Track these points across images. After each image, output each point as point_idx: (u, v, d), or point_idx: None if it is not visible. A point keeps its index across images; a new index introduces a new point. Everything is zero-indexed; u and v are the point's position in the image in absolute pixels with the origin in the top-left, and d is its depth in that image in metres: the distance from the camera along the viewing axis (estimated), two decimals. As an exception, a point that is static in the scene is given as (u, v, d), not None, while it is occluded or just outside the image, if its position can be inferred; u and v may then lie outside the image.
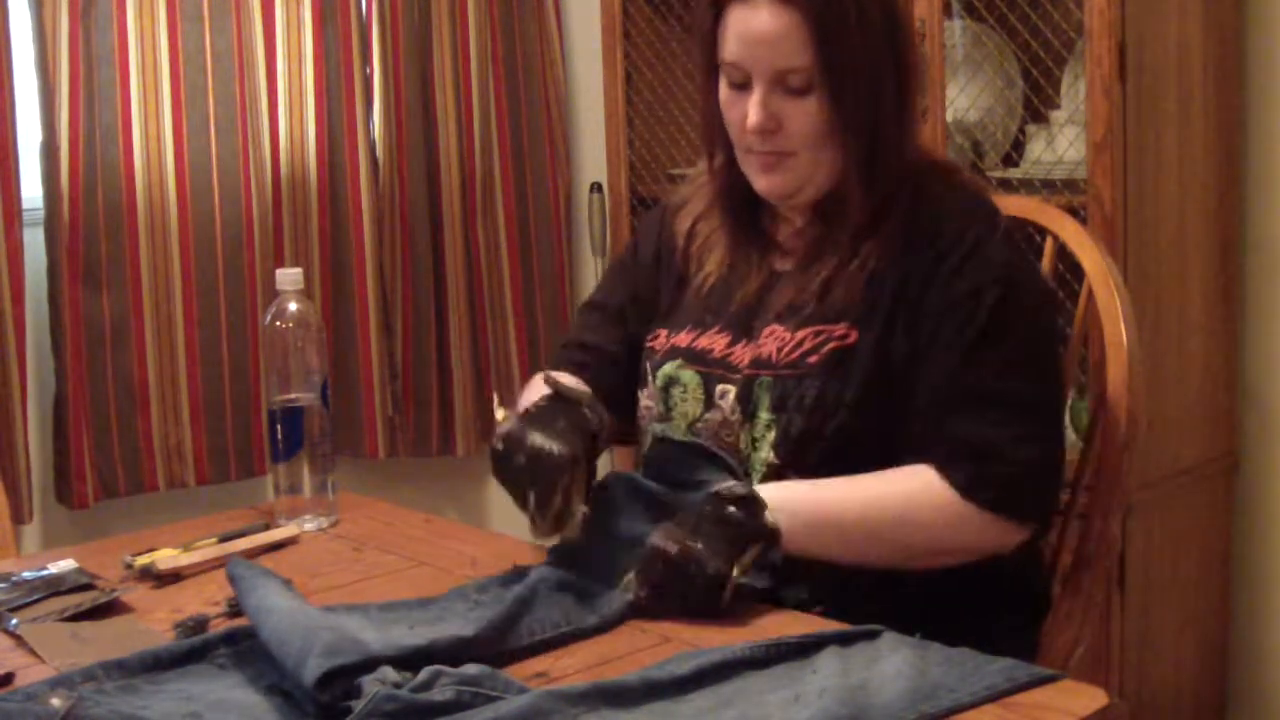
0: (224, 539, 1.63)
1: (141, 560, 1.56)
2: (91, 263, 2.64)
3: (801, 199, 1.60)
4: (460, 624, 1.30)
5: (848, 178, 1.56)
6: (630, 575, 1.39)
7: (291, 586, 1.38)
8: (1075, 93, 2.41)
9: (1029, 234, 1.86)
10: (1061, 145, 2.40)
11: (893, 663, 1.21)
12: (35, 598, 1.46)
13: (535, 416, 1.47)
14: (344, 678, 1.15)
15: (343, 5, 2.87)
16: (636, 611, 1.37)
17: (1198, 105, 2.42)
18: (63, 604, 1.45)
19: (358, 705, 1.12)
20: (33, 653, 1.33)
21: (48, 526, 2.66)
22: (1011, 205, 1.76)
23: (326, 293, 2.92)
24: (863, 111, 1.53)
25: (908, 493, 1.49)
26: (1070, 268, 2.04)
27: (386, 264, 2.98)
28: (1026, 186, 2.43)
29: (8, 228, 2.50)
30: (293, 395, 1.69)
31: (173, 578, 1.54)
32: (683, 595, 1.36)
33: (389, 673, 1.17)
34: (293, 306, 1.70)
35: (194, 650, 1.27)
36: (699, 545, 1.37)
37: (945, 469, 1.48)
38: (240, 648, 1.28)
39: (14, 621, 1.40)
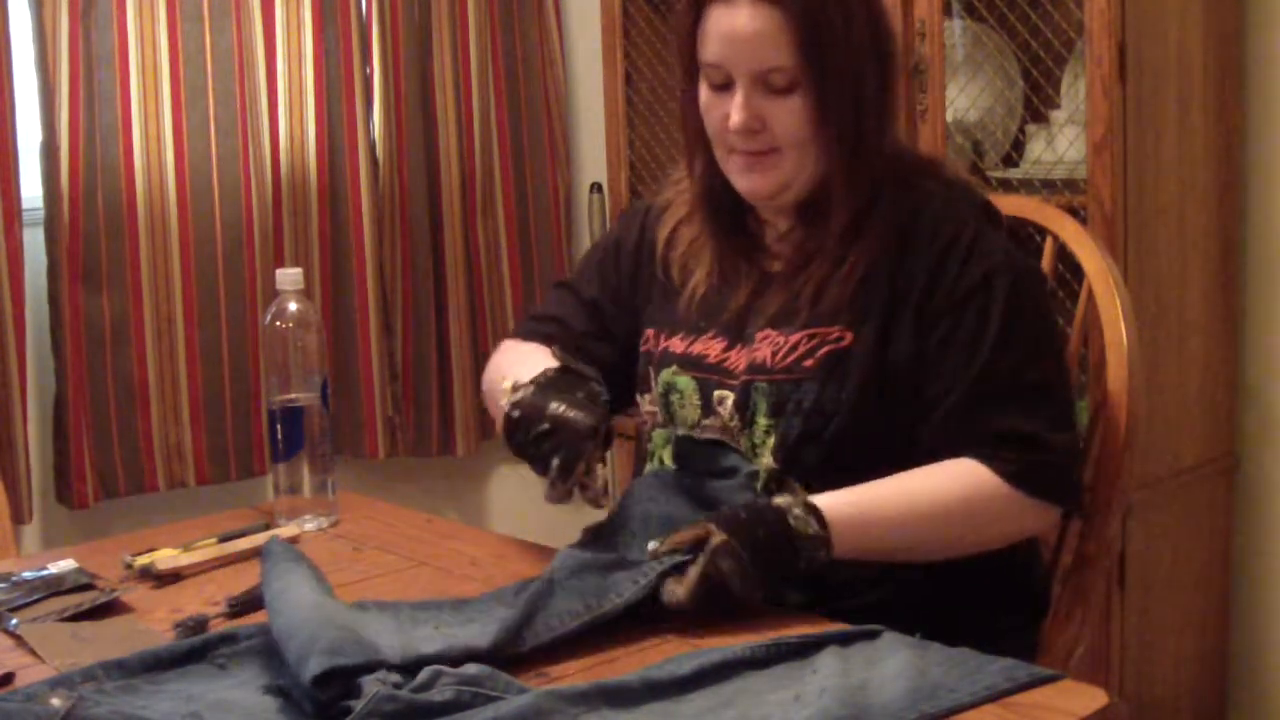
0: (224, 539, 1.63)
1: (141, 560, 1.56)
2: (91, 263, 2.64)
3: (784, 200, 1.59)
4: (480, 632, 1.28)
5: (831, 176, 1.55)
6: (661, 552, 1.37)
7: (321, 576, 1.38)
8: (1075, 93, 2.41)
9: (1029, 234, 1.87)
10: (1061, 145, 2.40)
11: (893, 663, 1.21)
12: (35, 598, 1.46)
13: (550, 385, 1.48)
14: (344, 677, 1.15)
15: (343, 5, 2.86)
16: (655, 600, 1.34)
17: (1198, 105, 2.42)
18: (63, 604, 1.45)
19: (357, 705, 1.12)
20: (33, 653, 1.33)
21: (48, 526, 2.66)
22: (1011, 205, 1.76)
23: (326, 293, 2.92)
24: (847, 107, 1.52)
25: (963, 488, 1.48)
26: (1070, 268, 2.04)
27: (386, 264, 2.98)
28: (1026, 186, 2.42)
29: (8, 228, 2.50)
30: (293, 395, 1.69)
31: (172, 578, 1.54)
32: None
33: (389, 672, 1.17)
34: (293, 306, 1.70)
35: (194, 650, 1.27)
36: (752, 573, 1.35)
37: (992, 461, 1.48)
38: (240, 648, 1.28)
39: (14, 621, 1.40)
